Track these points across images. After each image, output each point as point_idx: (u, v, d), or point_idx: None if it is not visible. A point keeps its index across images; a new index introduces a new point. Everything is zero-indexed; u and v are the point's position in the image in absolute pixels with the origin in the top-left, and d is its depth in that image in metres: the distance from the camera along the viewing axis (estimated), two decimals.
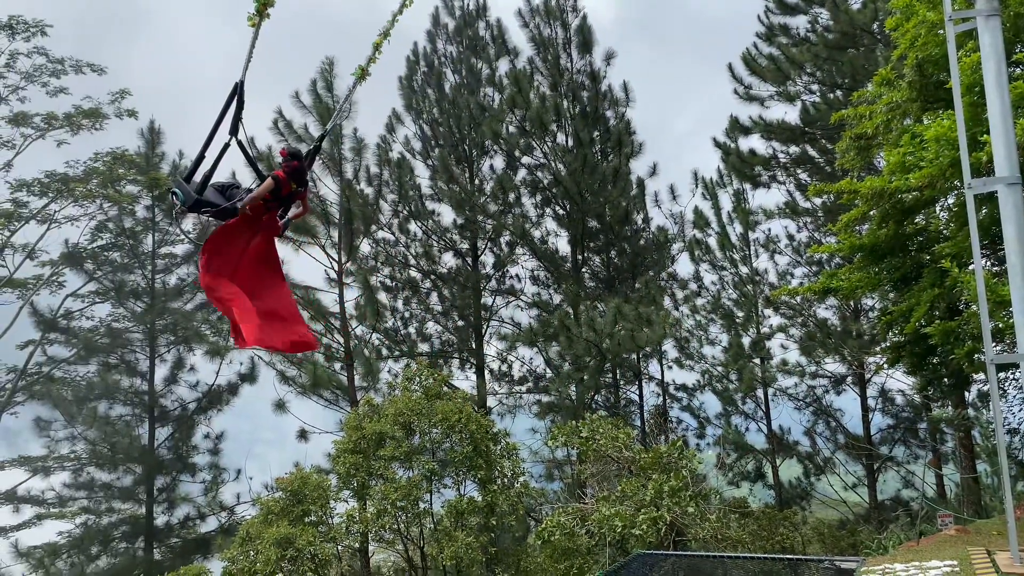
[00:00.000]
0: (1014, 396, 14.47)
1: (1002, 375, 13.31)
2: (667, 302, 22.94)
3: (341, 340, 20.16)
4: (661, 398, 23.12)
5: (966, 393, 16.42)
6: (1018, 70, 10.23)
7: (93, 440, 23.29)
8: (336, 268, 20.20)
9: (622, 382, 22.94)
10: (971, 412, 16.86)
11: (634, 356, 21.82)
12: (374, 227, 21.17)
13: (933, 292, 11.09)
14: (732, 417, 22.04)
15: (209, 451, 24.78)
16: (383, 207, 21.37)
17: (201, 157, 6.88)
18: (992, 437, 14.63)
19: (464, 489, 16.02)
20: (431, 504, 15.72)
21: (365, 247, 21.45)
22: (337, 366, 20.29)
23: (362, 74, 6.93)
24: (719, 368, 22.11)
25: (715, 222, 22.55)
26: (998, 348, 10.41)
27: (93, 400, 23.61)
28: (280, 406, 20.25)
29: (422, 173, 22.11)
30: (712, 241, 22.55)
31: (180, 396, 24.81)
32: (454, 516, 14.99)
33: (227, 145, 6.61)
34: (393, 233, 21.79)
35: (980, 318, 8.37)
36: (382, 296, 21.40)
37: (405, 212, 21.73)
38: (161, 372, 24.60)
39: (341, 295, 20.14)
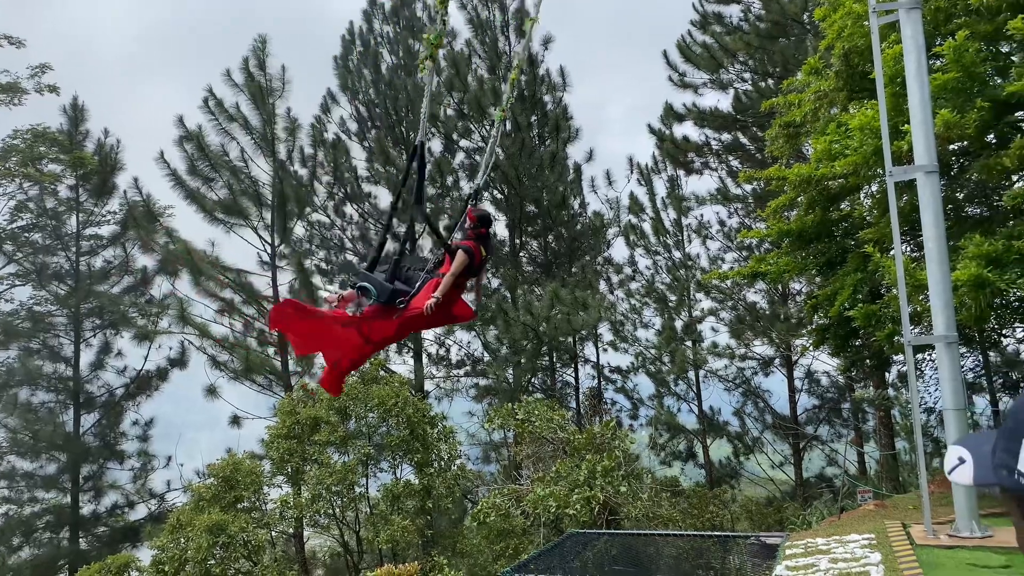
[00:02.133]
0: (930, 376, 15.11)
1: (919, 356, 13.87)
2: (602, 286, 23.24)
3: None
4: (596, 380, 23.43)
5: (886, 374, 17.10)
6: (938, 62, 10.59)
7: (14, 428, 22.45)
8: (269, 251, 19.83)
9: (558, 365, 23.18)
10: (891, 392, 17.57)
11: (570, 339, 22.04)
12: (308, 209, 20.83)
13: (856, 276, 11.47)
14: (665, 398, 22.49)
15: (138, 438, 24.14)
16: (318, 189, 21.06)
17: (383, 241, 6.13)
18: (910, 416, 15.27)
19: (400, 473, 16.03)
20: (367, 488, 15.68)
21: (299, 230, 21.12)
22: (271, 351, 19.96)
23: (503, 118, 6.54)
24: (652, 351, 22.51)
25: (650, 208, 22.87)
26: (916, 330, 10.83)
27: (13, 387, 22.74)
28: (212, 391, 19.84)
29: (358, 155, 21.85)
30: (647, 226, 22.89)
31: (107, 382, 24.09)
32: (390, 500, 14.98)
33: (388, 227, 5.85)
34: (328, 216, 21.50)
35: (899, 302, 8.71)
36: (317, 280, 21.11)
37: (341, 194, 21.45)
38: (87, 357, 23.85)
39: (274, 278, 19.79)
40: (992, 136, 10.77)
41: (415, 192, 5.73)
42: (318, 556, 20.14)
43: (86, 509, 23.07)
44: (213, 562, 13.54)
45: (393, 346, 22.15)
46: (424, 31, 21.93)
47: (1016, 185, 10.62)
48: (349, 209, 21.70)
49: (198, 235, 20.93)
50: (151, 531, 19.30)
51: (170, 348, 23.82)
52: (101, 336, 24.14)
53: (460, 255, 5.82)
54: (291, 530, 16.56)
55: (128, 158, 24.24)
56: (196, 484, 15.91)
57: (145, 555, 16.37)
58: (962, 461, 0.96)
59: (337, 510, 15.39)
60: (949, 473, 0.99)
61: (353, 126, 22.16)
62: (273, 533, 16.13)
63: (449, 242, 6.12)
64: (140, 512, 23.72)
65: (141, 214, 20.43)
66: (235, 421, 20.29)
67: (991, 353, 15.90)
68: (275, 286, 19.78)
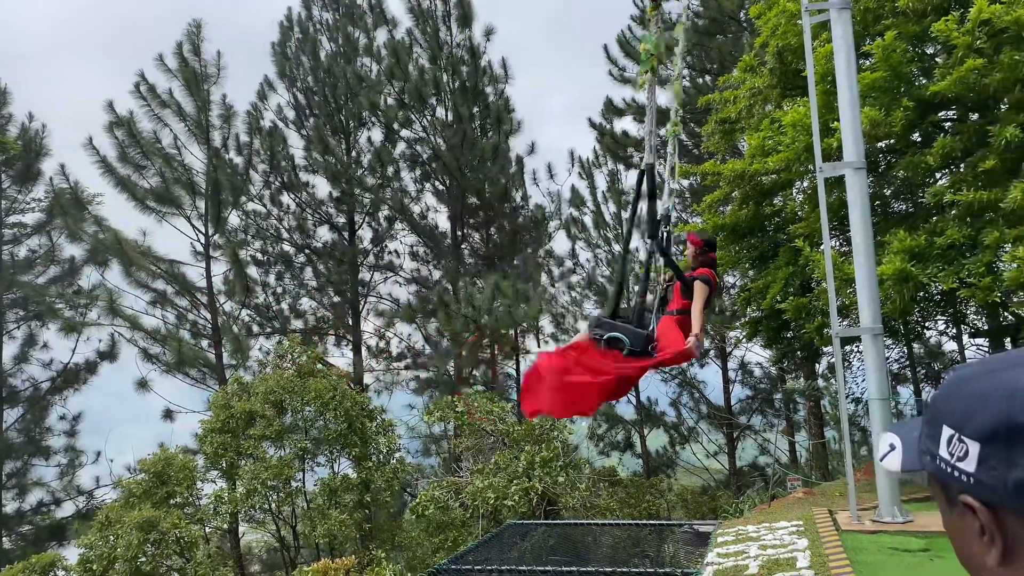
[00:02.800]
0: (857, 368, 15.59)
1: (847, 348, 14.30)
2: (544, 279, 23.33)
3: (208, 316, 19.39)
4: None
5: (816, 365, 17.58)
6: (867, 61, 10.90)
7: None
8: (203, 241, 19.36)
9: (500, 357, 23.22)
10: (820, 383, 18.08)
11: (512, 331, 22.10)
12: (244, 198, 20.39)
13: (788, 270, 11.75)
14: None
15: (65, 433, 23.34)
16: (254, 178, 20.63)
17: (621, 285, 5.83)
18: (839, 406, 15.73)
19: (338, 467, 15.87)
20: (304, 483, 15.49)
21: (234, 219, 20.66)
22: (204, 343, 19.52)
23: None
24: None
25: (591, 201, 23.03)
26: (844, 323, 11.17)
27: None
28: (143, 385, 19.31)
29: (296, 143, 21.48)
30: (588, 220, 23.05)
31: (32, 375, 23.21)
32: (327, 494, 14.82)
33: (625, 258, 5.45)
34: (264, 205, 21.08)
35: (828, 295, 8.95)
36: (252, 271, 20.72)
37: (278, 183, 21.05)
38: (10, 350, 22.92)
39: (208, 269, 19.34)
40: (917, 134, 11.15)
41: (648, 224, 5.43)
42: (254, 551, 19.83)
43: (10, 507, 22.23)
44: (144, 559, 13.20)
45: (331, 339, 21.93)
46: (362, 17, 21.68)
47: (939, 183, 10.99)
48: (286, 198, 21.33)
49: (129, 224, 20.36)
50: (79, 529, 18.72)
51: (99, 340, 23.05)
52: (25, 328, 23.25)
53: (701, 287, 5.66)
54: (226, 526, 16.26)
55: (54, 144, 23.36)
56: (126, 480, 15.46)
57: (72, 553, 15.86)
58: (892, 448, 0.99)
59: (273, 505, 15.17)
60: (881, 460, 1.01)
61: (291, 114, 21.77)
62: (207, 529, 15.82)
63: (685, 274, 5.83)
64: (67, 510, 22.96)
65: (68, 201, 19.72)
66: (168, 415, 19.81)
67: (915, 345, 16.48)
68: (209, 277, 19.35)
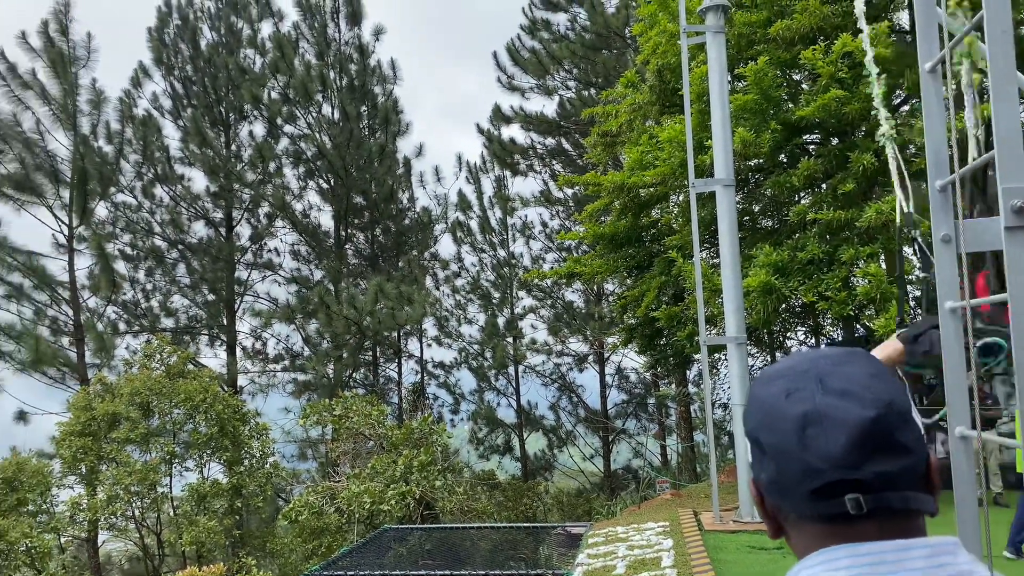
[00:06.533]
0: (724, 375, 16.35)
1: (715, 355, 14.98)
2: (429, 281, 23.28)
3: (70, 312, 18.27)
4: (420, 375, 23.46)
5: (687, 372, 18.31)
6: (739, 84, 11.49)
7: None
8: (66, 232, 18.22)
9: (382, 360, 22.99)
10: (691, 388, 18.85)
11: (394, 334, 21.92)
12: (113, 189, 19.33)
13: (662, 280, 12.22)
14: (485, 393, 22.90)
15: None
16: (125, 168, 19.60)
17: (904, 298, 5.33)
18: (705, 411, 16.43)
19: (208, 471, 15.30)
20: (171, 488, 14.84)
21: (102, 211, 19.56)
22: (65, 341, 18.37)
23: None
24: (475, 346, 22.85)
25: (477, 206, 23.19)
26: (712, 332, 11.70)
27: None
28: None
29: (172, 134, 20.57)
30: (474, 224, 23.20)
31: None
32: (196, 500, 14.26)
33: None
34: (135, 197, 20.07)
35: (697, 304, 9.37)
36: (120, 265, 19.65)
37: (150, 175, 20.09)
38: None
39: (71, 262, 18.21)
40: (783, 155, 11.84)
41: (921, 259, 5.12)
42: (114, 560, 18.81)
43: None
44: None
45: (204, 338, 21.13)
46: (246, 7, 21.03)
47: (802, 202, 11.70)
48: (159, 191, 20.38)
49: None
50: None
51: None
52: None
53: None
54: (84, 534, 15.35)
55: None
56: None
57: None
58: None
59: (137, 512, 14.47)
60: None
61: (167, 103, 20.83)
62: (62, 538, 14.92)
63: None
64: None
65: None
66: (21, 417, 18.48)
67: (777, 353, 17.43)
68: (72, 271, 18.22)
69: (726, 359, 15.40)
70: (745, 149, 10.36)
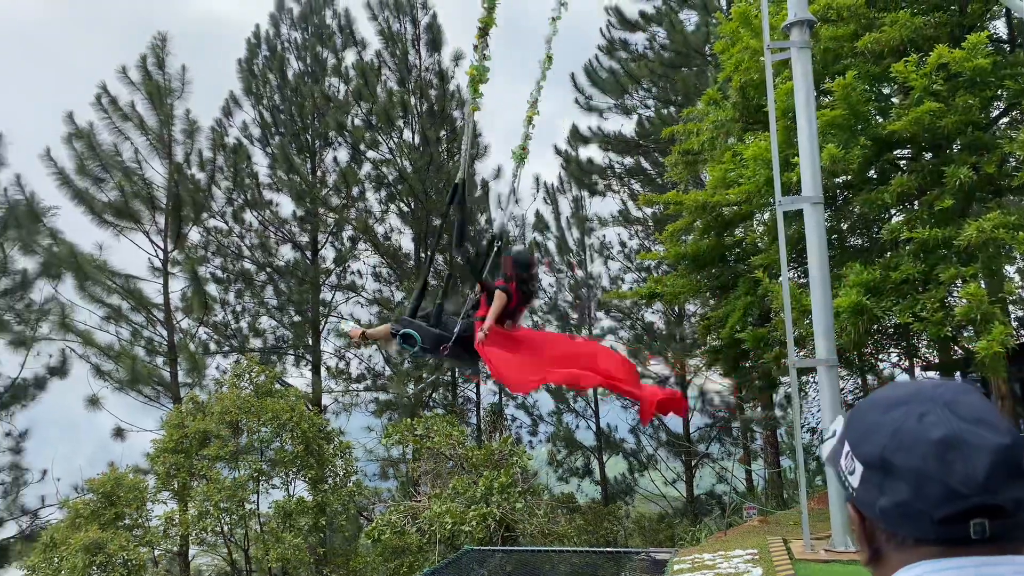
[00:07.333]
0: (813, 398, 15.84)
1: (803, 378, 14.53)
2: None
3: (164, 333, 19.04)
4: (498, 396, 23.48)
5: (774, 395, 17.81)
6: (826, 99, 11.20)
7: None
8: (161, 257, 19.04)
9: (460, 380, 23.12)
10: (778, 412, 18.30)
11: None
12: (205, 215, 20.13)
13: (747, 300, 11.93)
14: (564, 415, 22.74)
15: (10, 450, 22.59)
16: (216, 194, 20.38)
17: (424, 286, 5.99)
18: (794, 435, 15.93)
19: (293, 489, 15.61)
20: (258, 505, 15.19)
21: (195, 235, 20.36)
22: (159, 360, 19.13)
23: (521, 157, 6.39)
24: None
25: (554, 226, 23.21)
26: (800, 353, 11.34)
27: None
28: (94, 402, 18.81)
29: (260, 161, 21.28)
30: (551, 245, 23.21)
31: None
32: (282, 517, 14.55)
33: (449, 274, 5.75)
34: (226, 222, 20.82)
35: (785, 326, 9.10)
36: (212, 288, 20.40)
37: (240, 200, 20.83)
38: None
39: (166, 285, 19.00)
40: (874, 172, 11.46)
41: (456, 234, 5.80)
42: (204, 575, 19.35)
43: None
44: None
45: (290, 358, 21.65)
46: (331, 37, 21.68)
47: (894, 219, 11.27)
48: (249, 216, 21.11)
49: (85, 238, 19.78)
50: (22, 550, 18.12)
51: (50, 355, 22.40)
52: None
53: (500, 295, 5.96)
54: (176, 548, 15.86)
55: (11, 154, 22.84)
56: (73, 500, 15.05)
57: None
58: (834, 434, 1.05)
59: (225, 527, 14.84)
60: (822, 443, 1.09)
61: (256, 131, 21.60)
62: (156, 552, 15.43)
63: (492, 285, 6.17)
64: (10, 530, 22.16)
65: (23, 213, 19.28)
66: (118, 433, 19.29)
67: (869, 376, 16.80)
68: (166, 293, 19.01)
69: (814, 382, 14.96)
70: (833, 165, 10.06)
